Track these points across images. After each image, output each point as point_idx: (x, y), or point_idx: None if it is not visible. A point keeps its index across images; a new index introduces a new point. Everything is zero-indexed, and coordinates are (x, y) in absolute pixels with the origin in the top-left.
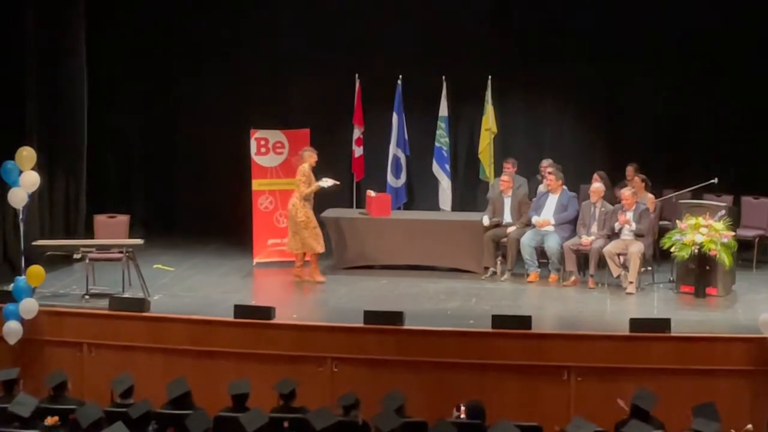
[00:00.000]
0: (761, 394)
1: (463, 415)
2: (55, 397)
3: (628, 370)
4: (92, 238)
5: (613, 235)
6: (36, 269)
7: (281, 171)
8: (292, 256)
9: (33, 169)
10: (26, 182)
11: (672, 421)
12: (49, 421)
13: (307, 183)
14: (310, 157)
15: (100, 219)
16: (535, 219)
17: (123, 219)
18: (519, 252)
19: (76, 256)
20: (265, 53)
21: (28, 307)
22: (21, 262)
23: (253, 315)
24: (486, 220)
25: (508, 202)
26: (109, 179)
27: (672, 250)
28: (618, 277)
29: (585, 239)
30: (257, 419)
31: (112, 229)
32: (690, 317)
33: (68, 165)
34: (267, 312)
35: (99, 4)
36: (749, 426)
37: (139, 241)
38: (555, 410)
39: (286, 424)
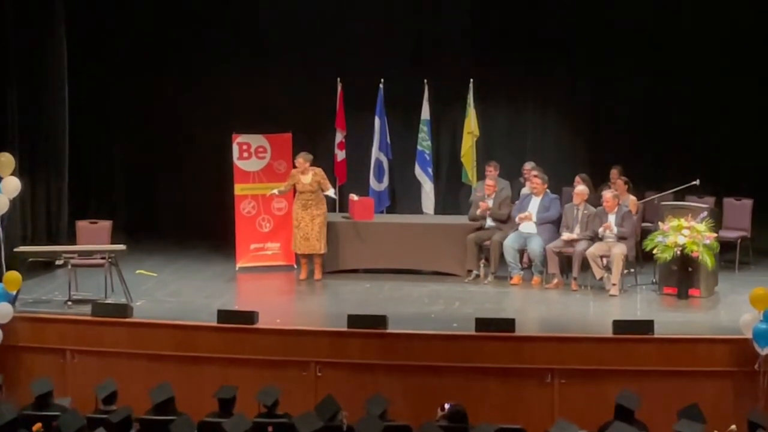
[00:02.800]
0: (744, 395)
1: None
2: (39, 404)
3: (612, 372)
4: (74, 243)
5: (596, 237)
6: (12, 275)
7: (264, 175)
8: (275, 260)
9: (13, 174)
10: (8, 188)
11: (655, 422)
12: (33, 428)
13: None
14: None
15: (82, 225)
16: (518, 218)
17: (105, 224)
18: (502, 255)
19: (59, 262)
20: (247, 58)
21: (3, 311)
22: (2, 269)
23: (237, 320)
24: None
25: (491, 205)
26: (91, 185)
27: (654, 251)
28: (601, 279)
29: (567, 235)
30: (240, 425)
31: (95, 235)
32: (673, 319)
33: (50, 171)
34: (250, 317)
35: (80, 9)
36: (733, 427)
37: (122, 247)
38: (539, 413)
39: (270, 429)
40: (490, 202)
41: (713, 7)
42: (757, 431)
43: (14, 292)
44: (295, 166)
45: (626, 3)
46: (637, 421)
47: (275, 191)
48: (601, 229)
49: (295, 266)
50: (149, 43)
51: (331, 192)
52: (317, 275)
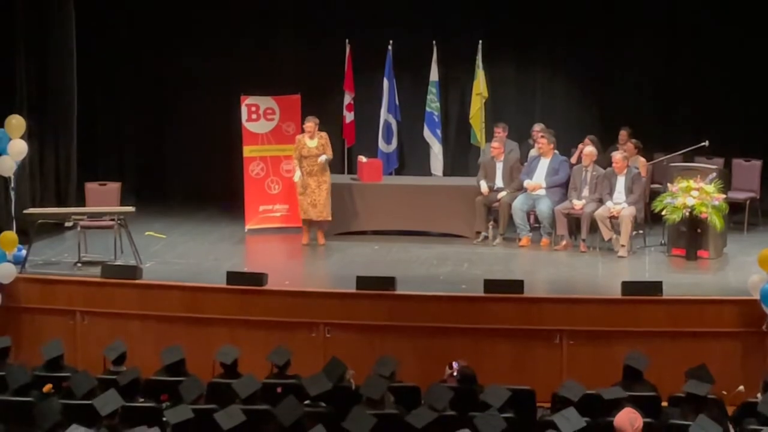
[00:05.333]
0: (752, 356)
1: (455, 373)
2: (50, 366)
3: (620, 333)
4: (83, 205)
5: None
6: (8, 235)
7: (272, 137)
8: (284, 222)
9: (22, 137)
10: (13, 150)
11: (664, 383)
12: (44, 388)
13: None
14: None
15: (91, 186)
16: (527, 183)
17: (114, 186)
18: (511, 216)
19: (68, 224)
20: (255, 19)
21: (4, 271)
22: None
23: (246, 281)
24: (484, 186)
25: (499, 167)
26: (100, 147)
27: (663, 213)
28: (609, 240)
29: (576, 203)
30: (250, 386)
31: (104, 197)
32: (681, 280)
33: (59, 132)
34: (259, 278)
35: None
36: (741, 387)
37: (131, 209)
38: (547, 374)
39: (279, 390)
40: (499, 165)
41: None
42: None
43: (22, 253)
44: (303, 130)
45: None
46: (646, 382)
47: (297, 178)
48: (610, 203)
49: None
50: (158, 5)
51: (323, 158)
52: (322, 240)
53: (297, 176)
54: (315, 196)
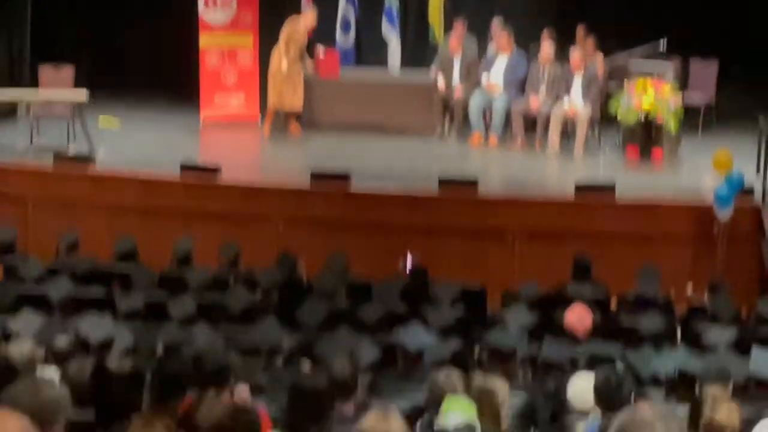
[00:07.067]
0: (701, 259)
1: (409, 265)
2: (2, 251)
3: (572, 234)
4: (37, 88)
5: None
6: None
7: (228, 27)
8: (239, 112)
9: None
10: None
11: (614, 284)
12: None
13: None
14: None
15: (45, 69)
16: (484, 80)
17: (68, 70)
18: (467, 113)
19: (20, 110)
20: None
21: None
22: None
23: (200, 173)
24: (440, 82)
25: (457, 63)
26: (54, 29)
27: (618, 114)
28: (560, 141)
29: (533, 101)
30: (202, 276)
31: (57, 80)
32: (635, 181)
33: (12, 14)
34: (214, 171)
35: None
36: (689, 285)
37: (83, 97)
38: (499, 273)
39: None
40: (456, 60)
41: None
42: (717, 294)
43: None
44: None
45: None
46: (596, 282)
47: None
48: (566, 98)
49: (260, 123)
50: None
51: None
52: (299, 131)
53: (285, 65)
54: (296, 83)
